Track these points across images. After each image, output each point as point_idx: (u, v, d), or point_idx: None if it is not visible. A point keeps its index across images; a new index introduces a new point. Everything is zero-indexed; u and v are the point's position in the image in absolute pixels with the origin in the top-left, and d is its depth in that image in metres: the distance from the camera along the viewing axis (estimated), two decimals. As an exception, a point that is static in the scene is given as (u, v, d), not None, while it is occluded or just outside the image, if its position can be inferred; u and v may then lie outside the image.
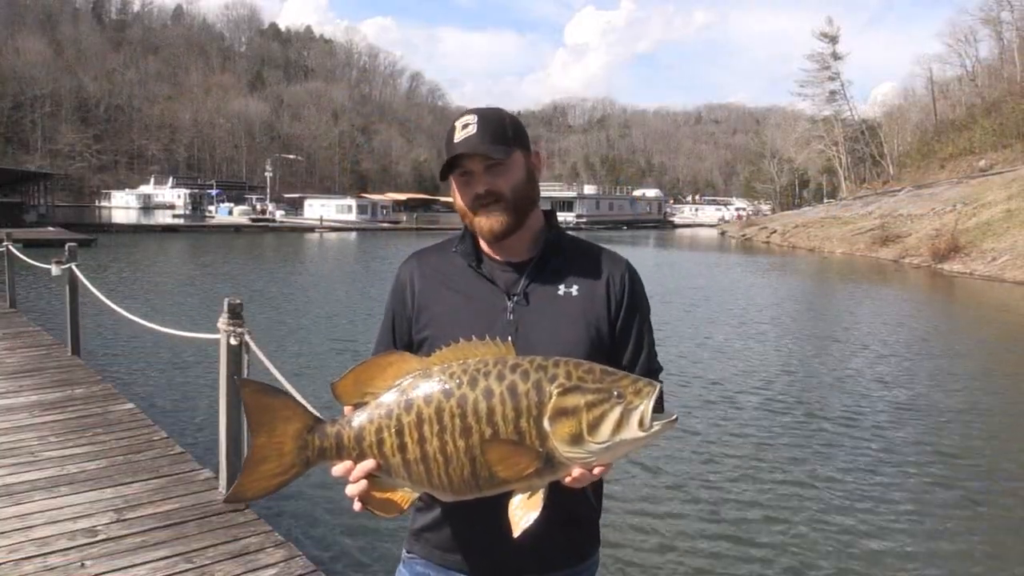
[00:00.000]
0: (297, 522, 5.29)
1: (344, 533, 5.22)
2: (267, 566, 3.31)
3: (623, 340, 1.59)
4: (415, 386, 1.32)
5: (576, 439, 1.26)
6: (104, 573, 3.21)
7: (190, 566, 3.28)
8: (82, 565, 3.26)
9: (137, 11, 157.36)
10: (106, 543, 3.47)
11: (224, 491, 4.11)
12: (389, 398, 1.34)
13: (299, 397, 3.90)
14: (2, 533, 3.54)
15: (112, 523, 3.69)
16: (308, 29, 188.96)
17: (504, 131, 1.54)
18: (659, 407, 1.29)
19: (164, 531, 3.61)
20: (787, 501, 6.16)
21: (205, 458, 5.00)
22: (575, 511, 1.56)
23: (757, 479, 6.64)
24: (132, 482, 4.22)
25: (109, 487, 4.14)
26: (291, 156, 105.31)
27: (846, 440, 7.83)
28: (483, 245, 1.62)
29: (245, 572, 3.26)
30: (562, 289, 1.57)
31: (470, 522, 1.50)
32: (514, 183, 1.55)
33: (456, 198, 1.59)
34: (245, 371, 4.20)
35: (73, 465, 4.45)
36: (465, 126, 1.52)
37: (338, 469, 1.37)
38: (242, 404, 1.45)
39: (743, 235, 56.60)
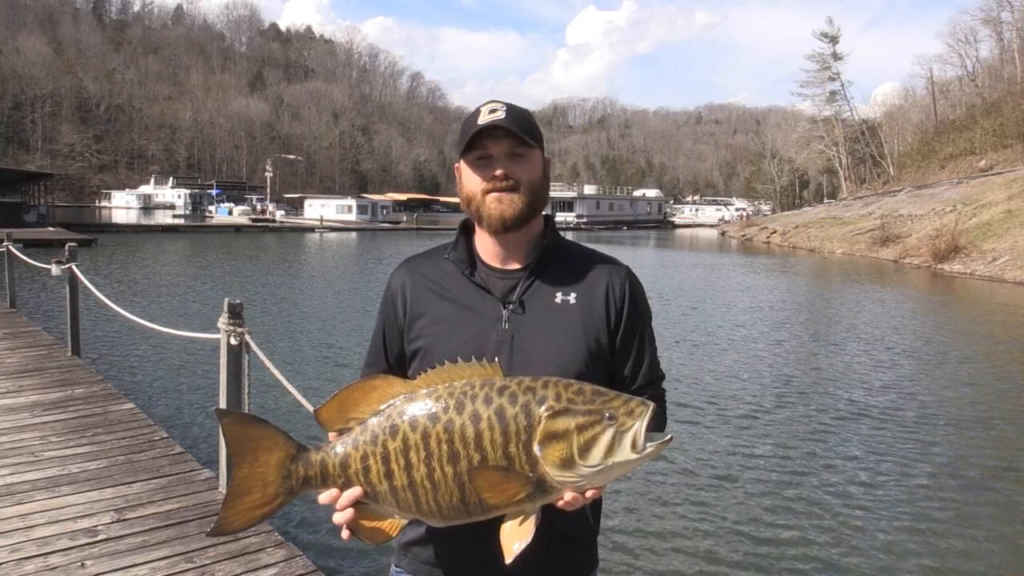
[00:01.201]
0: (297, 522, 5.30)
1: (344, 533, 5.21)
2: (267, 566, 3.32)
3: (624, 350, 1.53)
4: (401, 411, 1.28)
5: (567, 463, 1.22)
6: (105, 573, 3.22)
7: (191, 566, 3.29)
8: (83, 565, 3.27)
9: (137, 11, 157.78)
10: (107, 543, 3.48)
11: (224, 491, 4.12)
12: (374, 423, 1.30)
13: (300, 397, 3.92)
14: (3, 533, 3.54)
15: (113, 523, 3.69)
16: (308, 29, 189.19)
17: (531, 126, 1.50)
18: (660, 423, 1.25)
19: (165, 531, 3.62)
20: (789, 505, 6.16)
21: (205, 458, 5.01)
22: (571, 530, 1.50)
23: (759, 481, 6.64)
24: (133, 482, 4.23)
25: (110, 487, 4.15)
26: (291, 156, 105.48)
27: (849, 444, 7.83)
28: (478, 251, 1.56)
29: (245, 572, 3.27)
30: (559, 297, 1.50)
31: (459, 538, 1.44)
32: (532, 177, 1.50)
33: (464, 183, 1.52)
34: (245, 370, 4.20)
35: (74, 465, 4.46)
36: (493, 111, 1.46)
37: (324, 497, 1.33)
38: (222, 435, 1.42)
39: (743, 235, 56.60)
